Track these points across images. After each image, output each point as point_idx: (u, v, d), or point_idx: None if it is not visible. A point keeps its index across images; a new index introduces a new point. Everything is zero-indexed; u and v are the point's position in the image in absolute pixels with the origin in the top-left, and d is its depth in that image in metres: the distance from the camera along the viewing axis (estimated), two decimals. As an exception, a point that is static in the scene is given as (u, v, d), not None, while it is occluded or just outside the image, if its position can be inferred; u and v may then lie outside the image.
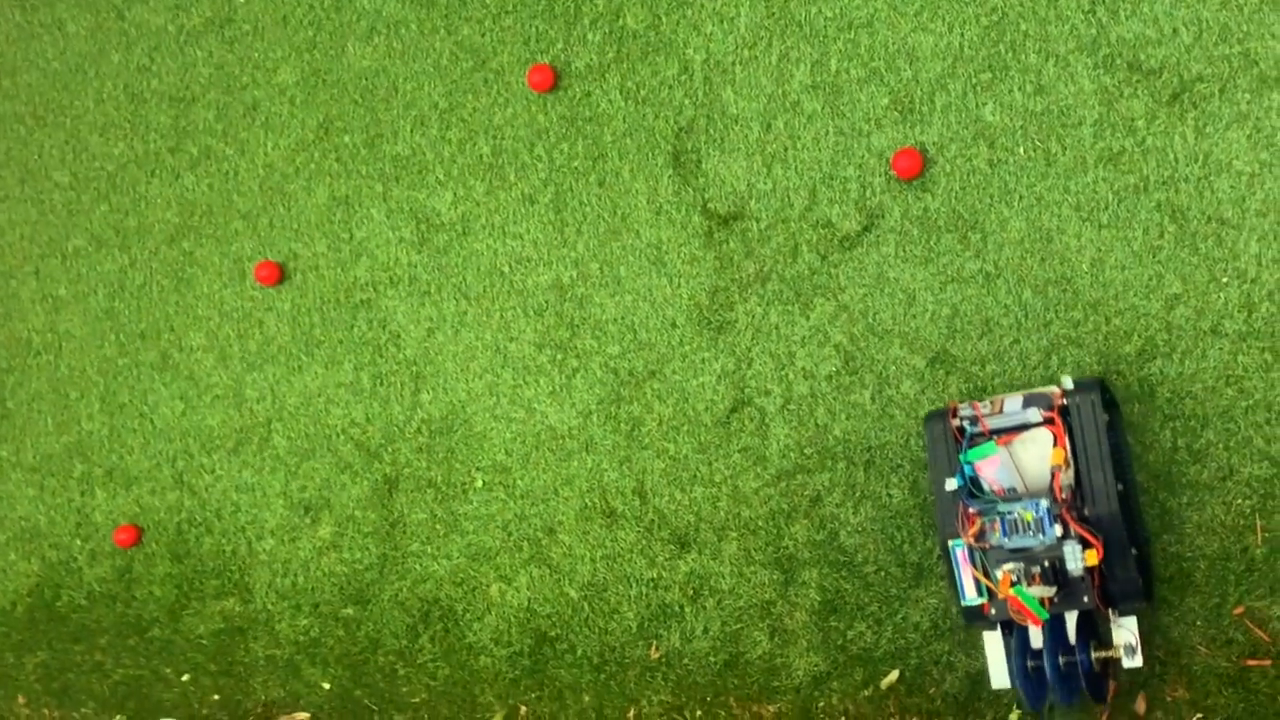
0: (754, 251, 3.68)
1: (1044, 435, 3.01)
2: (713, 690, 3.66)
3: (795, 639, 3.57)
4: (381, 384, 4.12)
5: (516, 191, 4.00)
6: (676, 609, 3.71)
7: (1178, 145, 3.28)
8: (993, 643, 3.06)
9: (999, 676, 3.05)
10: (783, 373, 3.63)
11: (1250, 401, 3.17)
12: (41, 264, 4.68)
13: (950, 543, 3.03)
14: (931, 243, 3.50)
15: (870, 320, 3.55)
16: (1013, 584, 2.88)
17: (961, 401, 3.29)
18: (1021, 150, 3.43)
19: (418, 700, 4.00)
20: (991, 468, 3.02)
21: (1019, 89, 3.44)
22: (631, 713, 3.76)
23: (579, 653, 3.82)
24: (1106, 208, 3.33)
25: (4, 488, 4.66)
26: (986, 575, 2.98)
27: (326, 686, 4.12)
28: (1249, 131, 3.21)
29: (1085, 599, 2.92)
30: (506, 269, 3.98)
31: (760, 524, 3.63)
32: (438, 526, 4.00)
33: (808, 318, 3.61)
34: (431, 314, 4.06)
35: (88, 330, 4.58)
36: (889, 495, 3.50)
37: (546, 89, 3.94)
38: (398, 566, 4.05)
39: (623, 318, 3.82)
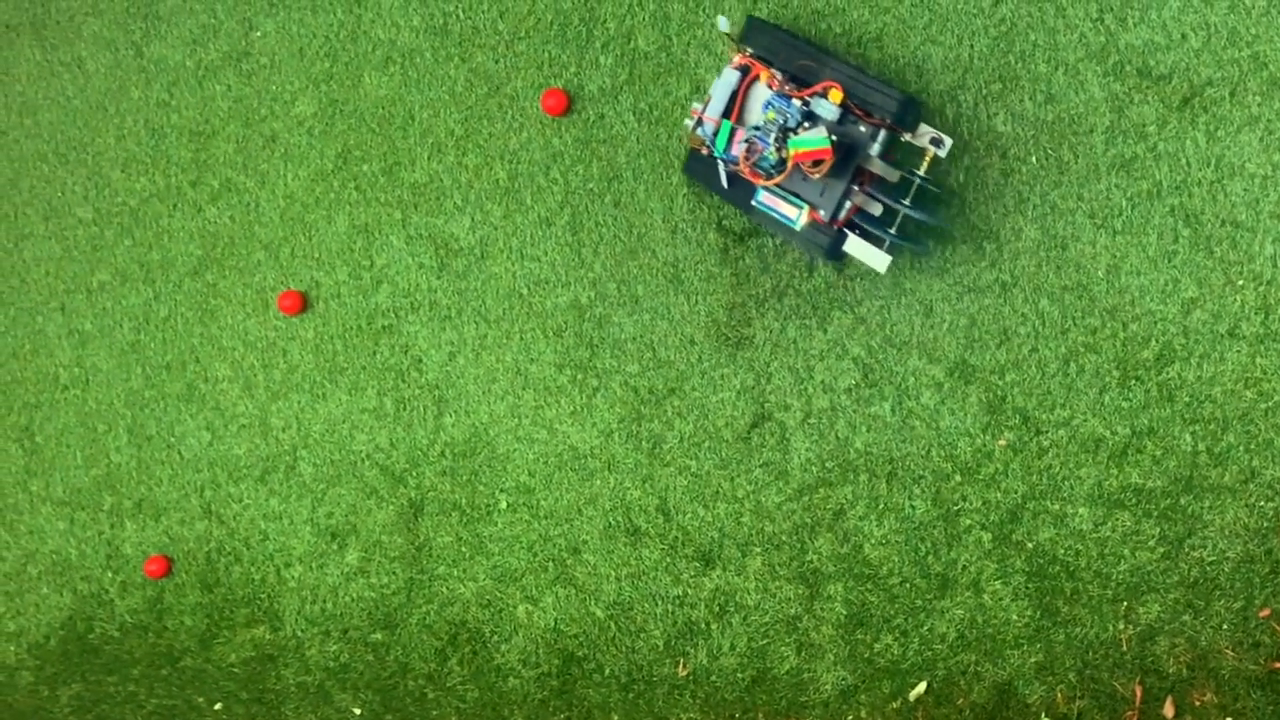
0: (770, 267, 3.70)
1: (733, 76, 3.46)
2: (741, 706, 3.67)
3: (822, 653, 3.58)
4: (405, 409, 4.15)
5: (533, 214, 4.02)
6: (703, 626, 3.72)
7: (1189, 150, 3.28)
8: (854, 244, 3.39)
9: (877, 260, 3.35)
10: (802, 387, 3.64)
11: (1270, 403, 3.17)
12: (67, 299, 4.73)
13: (753, 202, 3.46)
14: (947, 253, 3.51)
15: (888, 332, 3.56)
16: (788, 143, 3.32)
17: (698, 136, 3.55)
18: (1034, 159, 3.44)
19: (448, 723, 4.03)
20: (723, 91, 3.46)
21: (1030, 98, 3.46)
22: (661, 730, 3.77)
23: (607, 672, 3.83)
24: (1120, 214, 3.34)
25: (35, 521, 4.71)
26: (789, 198, 3.44)
27: (357, 711, 4.14)
28: (1260, 134, 3.22)
29: (862, 129, 3.34)
30: (525, 291, 4.01)
31: (784, 538, 3.63)
32: (463, 549, 4.02)
33: (825, 331, 3.62)
34: (452, 338, 4.09)
35: (114, 364, 4.62)
36: (912, 507, 3.50)
37: (560, 113, 3.97)
38: (425, 590, 4.07)
39: (641, 336, 3.84)
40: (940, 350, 3.50)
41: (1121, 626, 3.29)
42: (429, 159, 4.18)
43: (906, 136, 3.41)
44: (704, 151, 3.57)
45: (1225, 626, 3.18)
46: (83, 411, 4.66)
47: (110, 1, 4.77)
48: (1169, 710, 3.19)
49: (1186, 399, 3.24)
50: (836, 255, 3.47)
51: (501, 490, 4.00)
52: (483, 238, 4.08)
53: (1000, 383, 3.44)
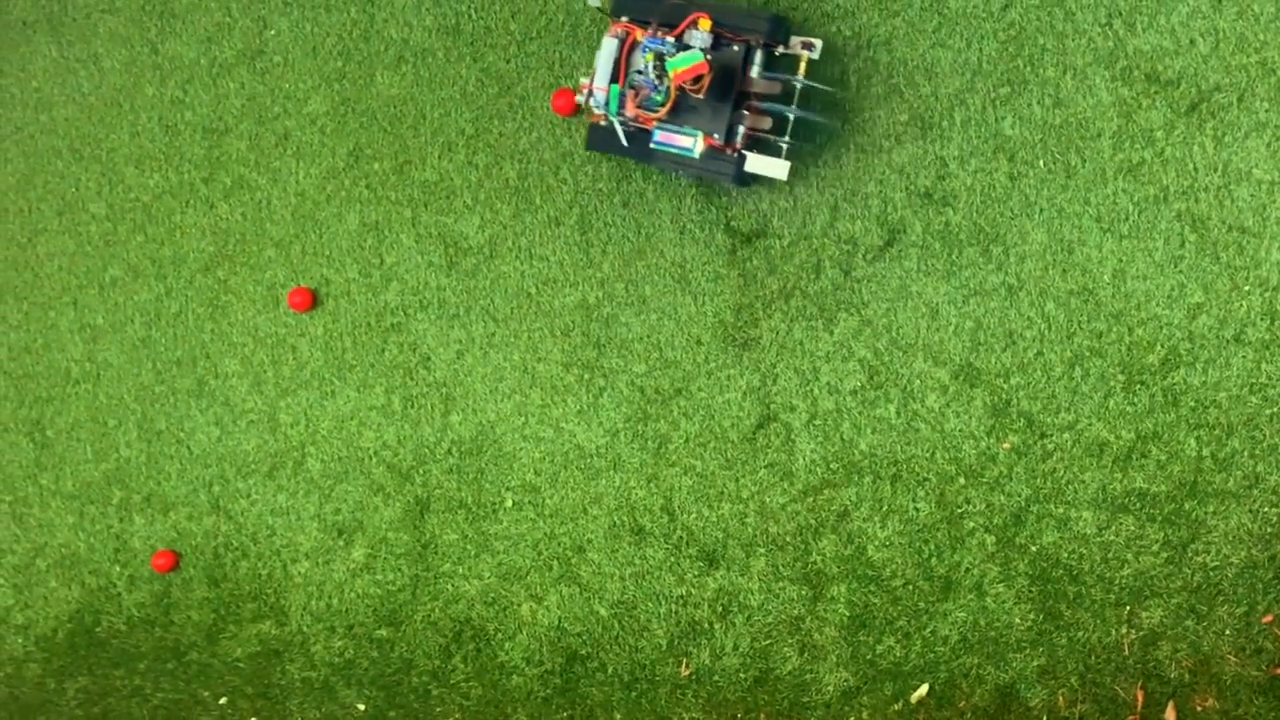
0: (777, 268, 3.71)
1: (613, 44, 3.61)
2: (743, 707, 3.67)
3: (825, 654, 3.58)
4: (412, 406, 4.16)
5: (542, 214, 4.04)
6: (706, 626, 3.73)
7: (1197, 155, 3.29)
8: (754, 161, 3.54)
9: (778, 168, 3.51)
10: (808, 388, 3.65)
11: (1276, 409, 3.17)
12: (79, 294, 4.76)
13: (651, 145, 3.62)
14: (953, 256, 3.52)
15: (894, 334, 3.56)
16: (665, 67, 3.51)
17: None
18: (1041, 163, 3.45)
19: (451, 720, 4.04)
20: (607, 60, 3.60)
21: (1038, 102, 3.46)
22: (663, 730, 3.77)
23: (610, 671, 3.83)
24: (1127, 218, 3.34)
25: (44, 515, 4.73)
26: (682, 131, 3.59)
27: (361, 708, 4.15)
28: (1268, 140, 3.22)
29: (735, 49, 3.54)
30: (533, 290, 4.02)
31: (788, 539, 3.64)
32: (469, 547, 4.04)
33: (831, 333, 3.63)
34: (460, 336, 4.11)
35: (125, 359, 4.65)
36: (916, 509, 3.51)
37: (570, 113, 3.99)
38: (430, 587, 4.09)
39: (648, 336, 3.85)
40: (946, 353, 3.51)
41: (1124, 631, 3.29)
42: (439, 158, 4.20)
43: (781, 50, 3.58)
44: (603, 122, 3.70)
45: (1228, 632, 3.18)
46: (93, 406, 4.69)
47: (126, -1, 4.81)
48: (1170, 715, 3.19)
49: (1191, 404, 3.24)
50: (743, 180, 3.64)
51: (507, 488, 4.01)
52: (492, 237, 4.10)
53: (1005, 386, 3.44)
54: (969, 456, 3.47)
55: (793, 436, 3.66)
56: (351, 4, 4.37)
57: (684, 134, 3.60)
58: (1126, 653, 3.28)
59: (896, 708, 3.50)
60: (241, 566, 4.38)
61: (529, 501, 3.97)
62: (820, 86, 3.59)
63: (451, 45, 4.23)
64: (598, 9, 3.85)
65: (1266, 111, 3.22)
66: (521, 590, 3.96)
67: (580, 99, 3.71)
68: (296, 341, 4.37)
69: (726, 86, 3.57)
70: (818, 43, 3.56)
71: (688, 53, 3.50)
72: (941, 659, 3.46)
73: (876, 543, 3.54)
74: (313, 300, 4.35)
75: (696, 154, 3.56)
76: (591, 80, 3.64)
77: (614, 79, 3.60)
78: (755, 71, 3.55)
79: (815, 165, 3.59)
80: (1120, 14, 3.39)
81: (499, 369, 4.05)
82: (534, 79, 4.10)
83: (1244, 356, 3.20)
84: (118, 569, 4.59)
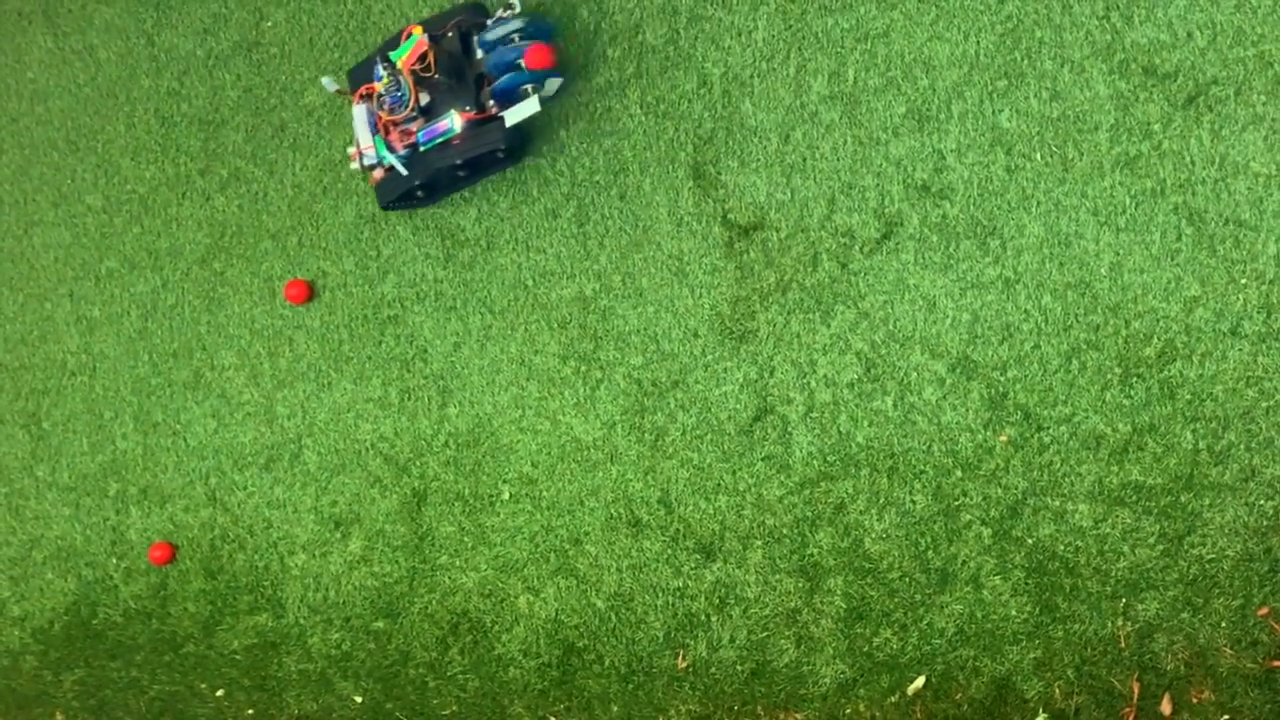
0: (774, 261, 3.71)
1: (360, 108, 4.01)
2: (740, 699, 3.68)
3: (821, 646, 3.59)
4: (409, 399, 4.16)
5: (539, 206, 4.04)
6: (703, 618, 3.73)
7: (1194, 148, 3.29)
8: (510, 114, 3.83)
9: (530, 105, 3.80)
10: (805, 381, 3.66)
11: (1271, 402, 3.17)
12: (75, 286, 4.75)
13: (420, 149, 3.94)
14: (951, 249, 3.52)
15: (891, 327, 3.57)
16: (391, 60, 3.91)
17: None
18: (1039, 156, 3.45)
19: (448, 713, 4.03)
20: (363, 123, 4.00)
21: (1035, 95, 3.47)
22: (659, 721, 3.78)
23: (607, 663, 3.84)
24: (1124, 212, 3.35)
25: (40, 507, 4.73)
26: (440, 118, 3.92)
27: (358, 700, 4.16)
28: (1265, 133, 3.22)
29: (450, 35, 3.94)
30: (530, 282, 4.02)
31: (785, 532, 3.65)
32: (466, 539, 4.04)
33: (829, 326, 3.64)
34: (457, 329, 4.11)
35: (121, 350, 4.65)
36: (912, 501, 3.51)
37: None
38: (427, 579, 4.09)
39: (645, 329, 3.86)
40: (943, 346, 3.51)
41: (1120, 623, 3.30)
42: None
43: (492, 20, 3.98)
44: (380, 171, 4.04)
45: (1224, 624, 3.18)
46: (89, 398, 4.69)
47: (122, -10, 4.81)
48: (1166, 707, 3.20)
49: (1188, 397, 3.25)
50: (514, 139, 3.95)
51: (504, 480, 4.01)
52: (489, 229, 4.10)
53: (1002, 379, 3.45)
54: (966, 449, 3.48)
55: (790, 429, 3.66)
56: (348, -5, 4.38)
57: (442, 120, 3.91)
58: (1122, 645, 3.29)
59: (893, 700, 3.51)
60: (238, 559, 4.39)
61: (526, 494, 3.97)
62: (546, 23, 3.99)
63: (448, 37, 4.22)
64: (337, 92, 4.12)
65: (1264, 105, 3.23)
66: (518, 582, 3.97)
67: (355, 166, 4.05)
68: (293, 334, 4.37)
69: (459, 66, 3.93)
70: (516, 4, 3.96)
71: (405, 41, 3.89)
72: (938, 651, 3.47)
73: (873, 535, 3.55)
74: (309, 292, 4.35)
75: (458, 128, 3.87)
76: (358, 145, 3.99)
77: (375, 134, 3.97)
78: (476, 40, 3.95)
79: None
80: (1118, 7, 3.39)
81: (496, 361, 4.05)
82: (531, 71, 4.09)
83: (1240, 350, 3.21)
84: (114, 561, 4.59)
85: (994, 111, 3.50)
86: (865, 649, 3.54)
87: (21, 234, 4.88)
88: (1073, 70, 3.43)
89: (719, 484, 3.73)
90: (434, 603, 4.08)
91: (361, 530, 4.20)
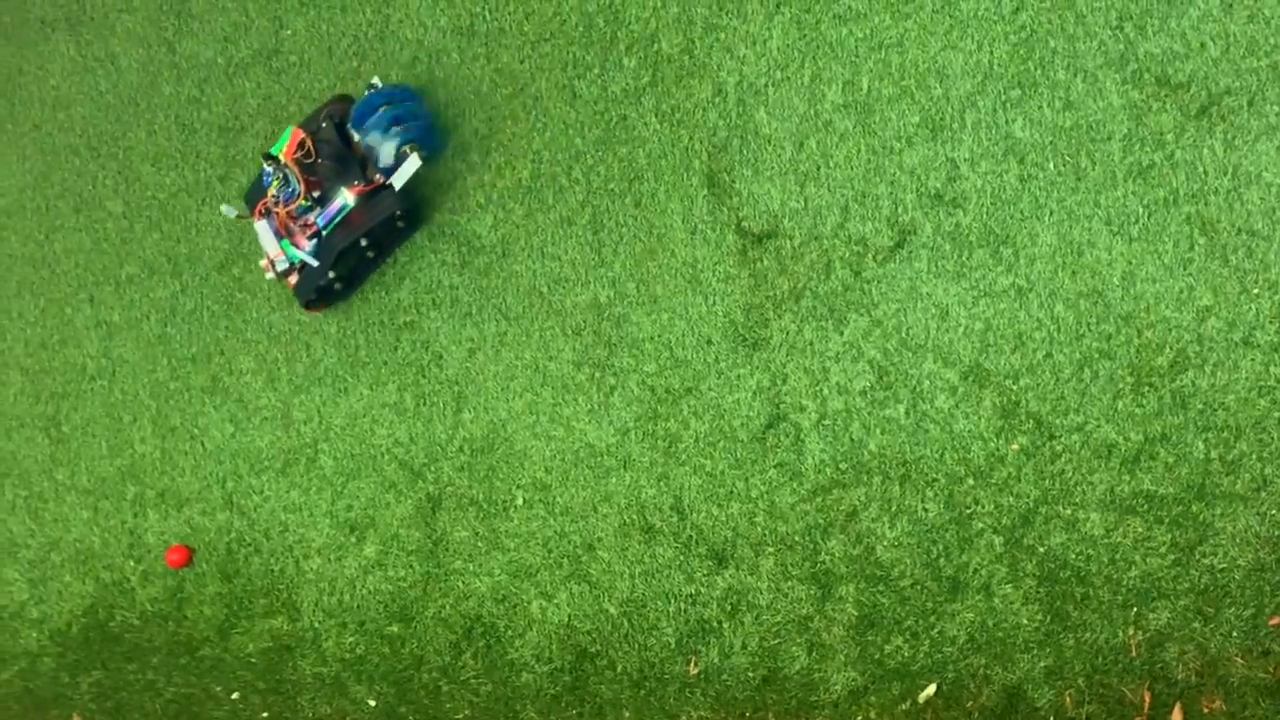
0: (788, 269, 3.73)
1: (262, 222, 4.24)
2: (751, 706, 3.68)
3: (833, 654, 3.59)
4: (424, 404, 4.19)
5: (555, 214, 4.06)
6: (715, 625, 3.74)
7: (1207, 158, 3.29)
8: (397, 177, 4.07)
9: (412, 163, 4.05)
10: (817, 388, 3.66)
11: (1283, 412, 3.17)
12: (96, 291, 4.79)
13: (322, 233, 4.13)
14: (963, 258, 3.53)
15: (904, 335, 3.58)
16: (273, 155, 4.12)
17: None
18: (1051, 165, 3.46)
19: (461, 717, 4.04)
20: (267, 235, 4.22)
21: (1048, 105, 3.47)
22: (671, 727, 3.79)
23: (619, 669, 3.85)
24: (1137, 221, 3.35)
25: (59, 510, 4.77)
26: (331, 199, 4.15)
27: (372, 703, 4.17)
28: (1278, 143, 3.22)
29: (324, 123, 4.18)
30: (545, 289, 4.04)
31: (797, 539, 3.65)
32: (479, 544, 4.06)
33: (841, 334, 3.65)
34: (473, 335, 4.13)
35: (140, 355, 4.69)
36: (924, 509, 3.52)
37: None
38: (441, 584, 4.11)
39: (659, 335, 3.87)
40: (955, 354, 3.52)
41: (1131, 632, 3.29)
42: (453, 157, 4.23)
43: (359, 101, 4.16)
44: (295, 274, 4.22)
45: (1235, 634, 3.18)
46: (109, 402, 4.73)
47: (144, -2, 4.86)
48: (1177, 717, 3.19)
49: (1200, 406, 3.25)
50: (408, 202, 4.14)
51: (518, 486, 4.03)
52: (504, 236, 4.12)
53: (1014, 387, 3.45)
54: (978, 457, 3.48)
55: (802, 436, 3.67)
56: (367, 5, 4.41)
57: (335, 200, 4.10)
58: (1133, 654, 3.29)
59: (904, 707, 3.51)
60: (254, 562, 4.41)
61: (539, 499, 3.99)
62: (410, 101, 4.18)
63: (465, 45, 4.26)
64: (238, 216, 4.27)
65: (1277, 115, 3.23)
66: (531, 588, 3.98)
67: (270, 276, 4.25)
68: (310, 339, 4.40)
69: (340, 151, 4.11)
70: (377, 80, 4.17)
71: (281, 136, 4.13)
72: (949, 659, 3.47)
73: (885, 543, 3.55)
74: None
75: (351, 202, 4.06)
76: (267, 257, 4.18)
77: (280, 240, 4.16)
78: (350, 118, 4.12)
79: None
80: (1131, 17, 3.40)
81: (510, 367, 4.07)
82: (547, 79, 4.12)
83: (1252, 359, 3.21)
84: (132, 564, 4.62)
85: (1007, 121, 3.51)
86: (877, 656, 3.54)
87: (43, 239, 4.93)
88: (1086, 80, 3.43)
89: (731, 491, 3.74)
90: (447, 607, 4.09)
91: (376, 535, 4.22)
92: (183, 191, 4.67)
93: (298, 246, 4.14)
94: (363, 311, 4.31)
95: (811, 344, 3.68)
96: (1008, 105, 3.52)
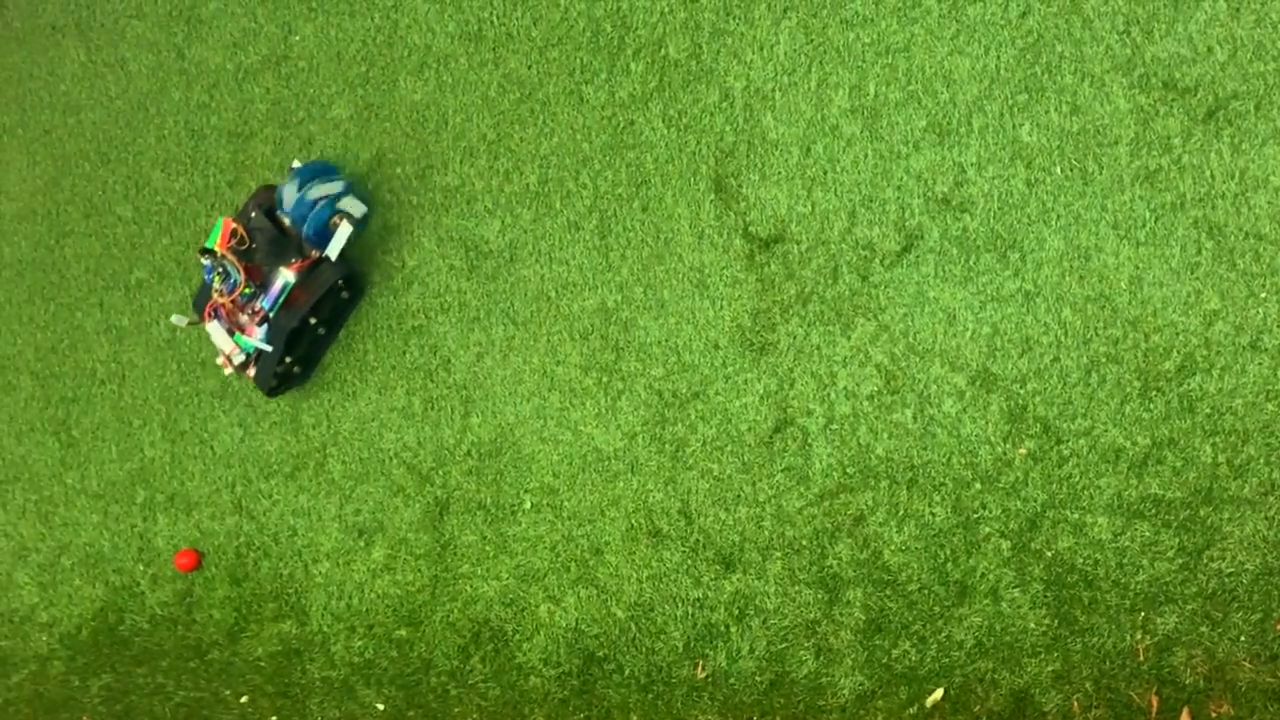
0: (795, 273, 3.73)
1: (213, 323, 4.24)
2: (759, 710, 3.69)
3: (840, 658, 3.59)
4: (432, 408, 4.19)
5: (562, 219, 4.07)
6: (722, 629, 3.74)
7: (1214, 162, 3.29)
8: (331, 247, 4.13)
9: (345, 230, 4.12)
10: (825, 393, 3.67)
11: (1291, 416, 3.17)
12: (105, 296, 4.81)
13: (270, 315, 4.16)
14: (971, 262, 3.53)
15: (911, 340, 3.58)
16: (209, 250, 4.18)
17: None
18: (1058, 170, 3.46)
19: (469, 721, 4.06)
20: (220, 334, 4.24)
21: (1055, 109, 3.48)
22: (678, 731, 3.79)
23: (626, 673, 3.85)
24: (1144, 225, 3.35)
25: (69, 514, 4.78)
26: (273, 281, 4.19)
27: (381, 707, 4.18)
28: (1285, 147, 3.23)
29: (253, 213, 4.21)
30: (553, 294, 4.05)
31: (804, 543, 3.66)
32: (487, 548, 4.07)
33: (849, 338, 3.65)
34: (480, 339, 4.14)
35: (150, 360, 4.70)
36: (932, 514, 3.52)
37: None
38: (449, 588, 4.12)
39: (666, 340, 3.88)
40: (962, 358, 3.52)
41: (1139, 636, 3.29)
42: (461, 163, 4.23)
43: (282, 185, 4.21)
44: (252, 366, 4.26)
45: (1243, 638, 3.17)
46: (118, 406, 4.74)
47: (154, 4, 4.87)
48: (1185, 721, 3.19)
49: (1207, 411, 3.25)
50: (346, 270, 4.21)
51: (526, 490, 4.04)
52: (512, 240, 4.13)
53: (1022, 391, 3.45)
54: (985, 462, 3.48)
55: (809, 441, 3.67)
56: (375, 10, 4.42)
57: (276, 281, 4.16)
58: (1141, 658, 3.29)
59: (911, 712, 3.51)
60: (263, 566, 4.42)
61: (547, 503, 4.00)
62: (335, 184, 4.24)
63: (474, 51, 4.27)
64: (189, 323, 4.34)
65: (1284, 119, 3.23)
66: (539, 592, 3.99)
67: (228, 372, 4.38)
68: (319, 343, 4.40)
69: (273, 236, 4.16)
70: (296, 162, 4.27)
71: (213, 229, 4.18)
72: (956, 663, 3.47)
73: (892, 547, 3.56)
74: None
75: (292, 280, 4.13)
76: (223, 354, 4.24)
77: (232, 335, 4.21)
78: (280, 198, 4.17)
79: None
80: (1138, 22, 3.40)
81: (518, 372, 4.08)
82: (555, 84, 4.13)
83: (1260, 363, 3.21)
84: (141, 568, 4.63)
85: (1014, 125, 3.52)
86: (884, 661, 3.54)
87: (53, 244, 4.95)
88: (1093, 85, 3.44)
89: (739, 495, 3.74)
90: (456, 611, 4.10)
91: (384, 539, 4.23)
92: (192, 197, 4.69)
93: (249, 336, 4.21)
94: (370, 316, 4.32)
95: (819, 348, 3.68)
96: (1014, 110, 3.52)
